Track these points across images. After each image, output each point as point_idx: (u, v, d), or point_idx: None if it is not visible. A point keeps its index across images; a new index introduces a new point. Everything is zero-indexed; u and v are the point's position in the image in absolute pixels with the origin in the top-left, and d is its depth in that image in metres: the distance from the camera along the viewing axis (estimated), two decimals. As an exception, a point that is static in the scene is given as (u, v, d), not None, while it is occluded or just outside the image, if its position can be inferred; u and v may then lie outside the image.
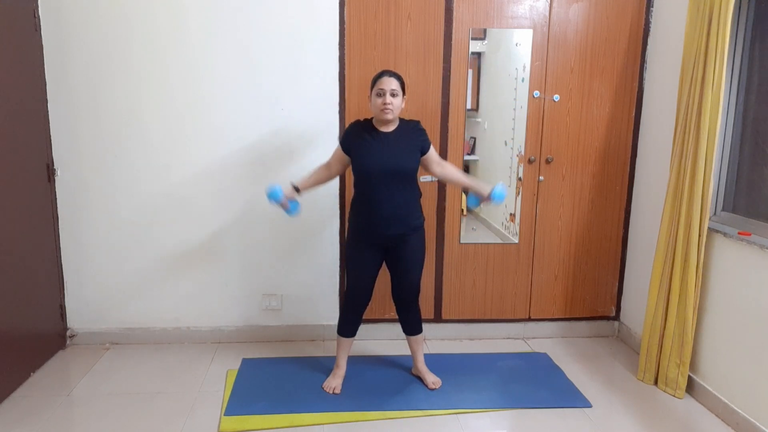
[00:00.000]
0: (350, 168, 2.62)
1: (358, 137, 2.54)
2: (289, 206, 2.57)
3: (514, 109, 3.21)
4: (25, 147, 2.78)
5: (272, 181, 3.11)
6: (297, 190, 2.60)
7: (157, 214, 3.11)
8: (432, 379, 2.78)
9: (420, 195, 2.63)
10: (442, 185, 3.18)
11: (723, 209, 2.76)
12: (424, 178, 3.13)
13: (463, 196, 3.22)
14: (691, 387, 2.75)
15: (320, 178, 2.68)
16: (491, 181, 2.60)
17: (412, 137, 2.56)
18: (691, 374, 2.76)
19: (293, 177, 3.11)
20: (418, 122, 2.62)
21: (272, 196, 2.52)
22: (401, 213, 2.53)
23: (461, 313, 3.35)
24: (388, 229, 2.52)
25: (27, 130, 2.80)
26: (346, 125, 3.01)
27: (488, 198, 2.53)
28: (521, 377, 2.90)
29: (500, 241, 3.33)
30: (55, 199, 3.05)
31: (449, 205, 3.22)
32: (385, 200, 2.49)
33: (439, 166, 2.66)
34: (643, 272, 3.17)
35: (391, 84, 2.45)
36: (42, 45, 2.91)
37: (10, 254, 2.64)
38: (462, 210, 3.26)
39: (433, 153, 2.64)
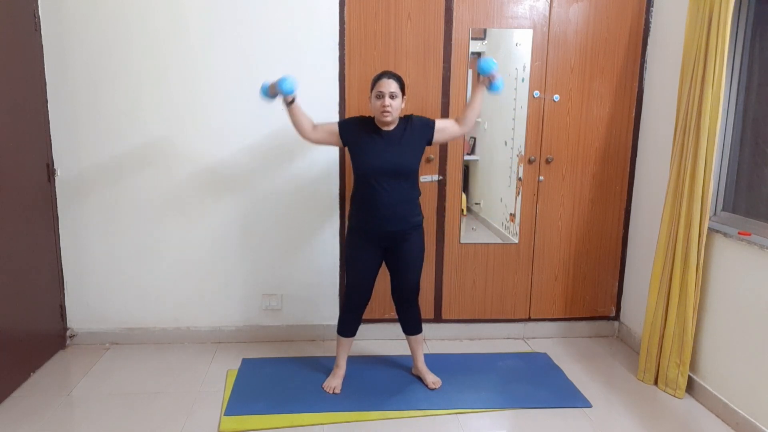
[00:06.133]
0: (350, 166, 2.61)
1: (360, 133, 2.54)
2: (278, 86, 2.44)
3: (514, 109, 3.20)
4: (25, 147, 2.77)
5: (271, 180, 3.13)
6: (292, 101, 2.50)
7: (156, 213, 3.11)
8: (432, 379, 2.78)
9: (419, 194, 2.63)
10: (442, 185, 3.18)
11: (723, 209, 2.76)
12: (424, 179, 3.13)
13: (463, 196, 3.22)
14: (691, 387, 2.75)
15: (303, 124, 2.54)
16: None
17: (413, 134, 2.55)
18: (691, 374, 2.76)
19: (292, 177, 3.14)
20: (411, 116, 2.60)
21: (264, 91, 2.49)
22: (401, 210, 2.53)
23: (461, 313, 3.35)
24: (387, 226, 2.53)
25: (27, 130, 2.80)
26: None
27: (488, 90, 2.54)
28: (521, 377, 2.90)
29: (500, 241, 3.32)
30: (55, 199, 3.05)
31: (449, 205, 3.22)
32: (385, 197, 2.49)
33: (456, 123, 2.64)
34: (643, 272, 3.17)
35: (390, 86, 2.46)
36: (42, 45, 2.91)
37: (10, 254, 2.64)
38: (462, 210, 3.26)
39: (442, 124, 2.61)
